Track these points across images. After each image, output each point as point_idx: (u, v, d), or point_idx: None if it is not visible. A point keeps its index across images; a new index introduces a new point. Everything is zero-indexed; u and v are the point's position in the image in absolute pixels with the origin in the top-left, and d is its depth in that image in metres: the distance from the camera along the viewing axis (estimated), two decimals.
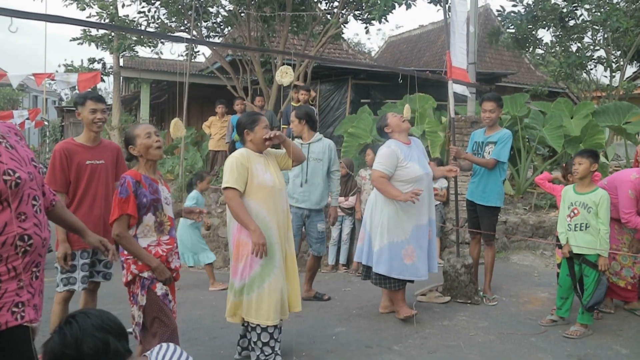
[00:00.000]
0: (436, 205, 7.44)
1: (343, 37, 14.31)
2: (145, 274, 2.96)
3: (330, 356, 3.87)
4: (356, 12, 10.96)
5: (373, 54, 27.30)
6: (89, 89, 9.82)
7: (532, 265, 6.57)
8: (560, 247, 4.44)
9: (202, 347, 4.06)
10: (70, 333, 1.62)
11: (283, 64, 4.27)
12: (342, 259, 7.20)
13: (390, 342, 4.13)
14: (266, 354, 3.56)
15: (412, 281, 4.62)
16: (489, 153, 5.06)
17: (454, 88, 5.67)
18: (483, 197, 5.06)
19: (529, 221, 7.31)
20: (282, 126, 8.57)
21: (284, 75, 3.65)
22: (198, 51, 13.90)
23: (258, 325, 3.53)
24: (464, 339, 4.16)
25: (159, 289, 2.99)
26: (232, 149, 8.38)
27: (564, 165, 5.04)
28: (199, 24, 11.47)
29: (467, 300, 5.02)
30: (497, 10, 13.16)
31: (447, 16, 5.70)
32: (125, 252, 2.99)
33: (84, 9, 10.89)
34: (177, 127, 3.06)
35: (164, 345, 1.98)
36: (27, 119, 14.21)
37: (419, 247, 4.49)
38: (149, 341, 2.92)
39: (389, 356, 3.87)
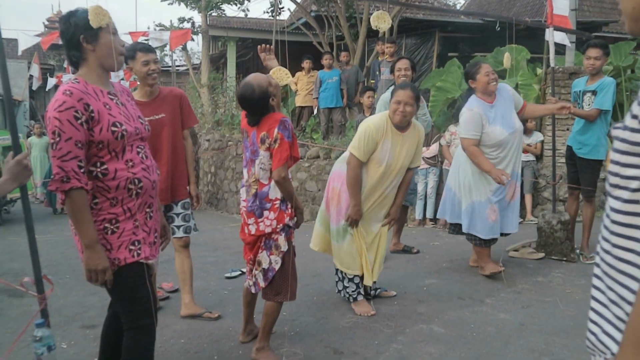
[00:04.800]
0: (529, 161, 7.21)
1: None
2: (291, 222, 3.00)
3: (422, 306, 3.91)
4: None
5: (459, 6, 26.13)
6: (180, 45, 10.14)
7: None
8: None
9: (296, 293, 4.22)
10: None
11: (370, 18, 4.15)
12: (429, 214, 7.16)
13: (482, 295, 4.11)
14: (351, 289, 3.87)
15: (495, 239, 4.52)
16: (589, 105, 4.78)
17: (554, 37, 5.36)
18: (584, 149, 4.81)
19: None
20: (370, 80, 8.49)
21: (381, 21, 3.54)
22: (282, 7, 13.93)
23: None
24: (560, 296, 4.05)
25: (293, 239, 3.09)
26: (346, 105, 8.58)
27: None
28: None
29: (563, 258, 4.86)
30: None
31: None
32: (271, 197, 2.95)
33: None
34: (281, 75, 3.02)
35: None
36: (122, 79, 14.95)
37: (501, 205, 4.38)
38: (287, 284, 2.99)
39: (482, 308, 3.85)
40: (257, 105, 2.92)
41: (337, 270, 3.93)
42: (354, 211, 3.67)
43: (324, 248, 4.02)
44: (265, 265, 2.99)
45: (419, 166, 4.07)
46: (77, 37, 2.15)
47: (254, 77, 2.94)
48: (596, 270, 1.12)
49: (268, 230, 2.94)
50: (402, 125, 3.71)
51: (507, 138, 4.26)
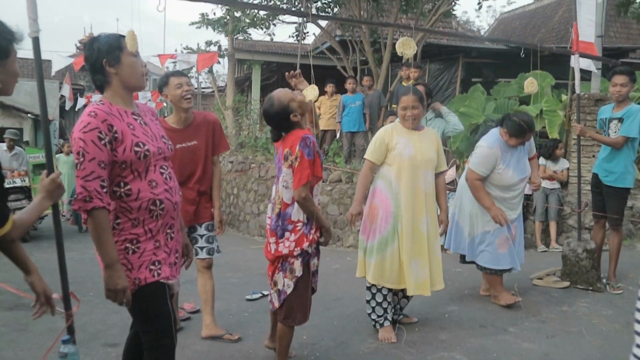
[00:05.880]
0: (554, 189, 7.13)
1: (454, 15, 13.88)
2: (310, 249, 2.96)
3: (444, 333, 3.87)
4: None
5: (482, 32, 26.21)
6: (206, 68, 10.32)
7: None
8: None
9: (317, 317, 4.19)
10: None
11: (394, 43, 4.15)
12: None
13: (505, 323, 4.04)
14: (378, 314, 3.79)
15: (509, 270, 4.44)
16: (615, 132, 4.74)
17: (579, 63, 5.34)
18: (610, 177, 4.74)
19: None
20: (392, 105, 8.52)
21: (407, 47, 3.59)
22: (307, 32, 14.13)
23: (374, 285, 3.75)
24: (586, 326, 3.97)
25: (313, 265, 3.05)
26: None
27: None
28: (309, 4, 11.63)
29: (589, 287, 4.76)
30: None
31: None
32: (293, 219, 2.91)
33: None
34: (310, 92, 3.08)
35: None
36: (150, 100, 15.26)
37: (510, 237, 4.34)
38: (295, 309, 2.96)
39: (505, 337, 3.79)
40: (275, 119, 2.94)
41: (369, 291, 3.81)
42: (354, 205, 3.71)
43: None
44: (279, 286, 2.98)
45: (446, 171, 4.06)
46: (100, 61, 2.23)
47: (278, 92, 2.97)
48: None
49: (285, 251, 2.92)
50: (415, 128, 3.79)
51: (517, 183, 4.32)
